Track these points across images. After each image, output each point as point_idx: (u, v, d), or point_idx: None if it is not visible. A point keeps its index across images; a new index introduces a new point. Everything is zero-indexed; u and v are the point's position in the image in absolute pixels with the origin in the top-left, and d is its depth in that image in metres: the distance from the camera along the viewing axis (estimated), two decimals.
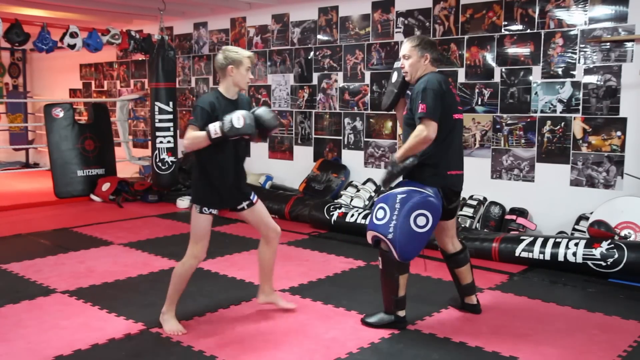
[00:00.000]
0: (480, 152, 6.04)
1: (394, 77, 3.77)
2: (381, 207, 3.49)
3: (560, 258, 4.66)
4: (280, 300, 3.90)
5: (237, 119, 3.31)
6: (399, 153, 3.49)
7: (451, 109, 3.52)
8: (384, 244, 3.48)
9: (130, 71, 9.96)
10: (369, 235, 3.57)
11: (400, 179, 3.58)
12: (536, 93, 5.68)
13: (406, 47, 3.61)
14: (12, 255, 5.16)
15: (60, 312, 3.83)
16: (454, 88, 3.57)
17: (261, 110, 3.46)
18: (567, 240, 4.76)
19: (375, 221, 3.50)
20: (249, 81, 3.58)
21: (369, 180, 6.81)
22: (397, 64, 3.75)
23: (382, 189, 3.75)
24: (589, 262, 4.55)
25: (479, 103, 6.03)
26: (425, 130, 3.36)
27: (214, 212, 3.52)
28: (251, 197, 3.67)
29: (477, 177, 5.96)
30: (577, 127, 5.48)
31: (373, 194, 6.65)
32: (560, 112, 5.55)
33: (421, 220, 3.40)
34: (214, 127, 3.31)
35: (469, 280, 3.80)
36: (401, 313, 3.58)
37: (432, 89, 3.41)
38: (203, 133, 3.34)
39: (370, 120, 6.91)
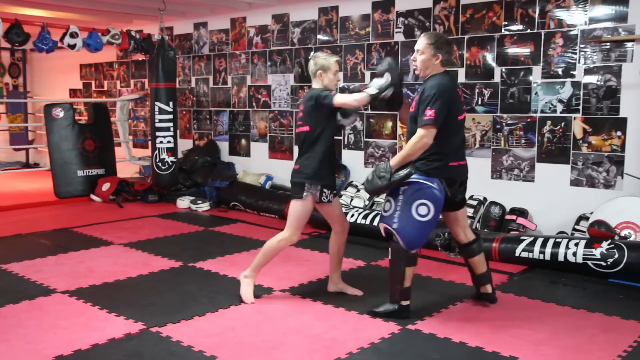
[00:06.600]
0: (481, 152, 6.04)
1: (384, 80, 3.74)
2: (388, 200, 3.70)
3: (561, 258, 4.66)
4: (349, 288, 4.17)
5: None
6: (396, 159, 3.59)
7: (457, 112, 3.66)
8: (395, 237, 3.62)
9: (130, 71, 9.96)
10: (381, 227, 3.74)
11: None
12: (536, 93, 5.68)
13: (421, 42, 3.68)
14: (12, 255, 5.16)
15: (60, 312, 3.82)
16: (459, 88, 3.69)
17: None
18: (567, 240, 4.76)
19: (383, 213, 3.71)
20: (337, 83, 3.98)
21: None
22: (382, 65, 3.81)
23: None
24: (589, 262, 4.55)
25: (479, 103, 6.03)
26: (426, 137, 3.52)
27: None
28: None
29: (477, 177, 5.93)
30: (577, 127, 5.48)
31: None
32: (561, 112, 5.55)
33: (423, 210, 3.56)
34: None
35: (482, 270, 3.90)
36: (405, 302, 3.70)
37: (443, 96, 3.53)
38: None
39: (370, 120, 6.91)
